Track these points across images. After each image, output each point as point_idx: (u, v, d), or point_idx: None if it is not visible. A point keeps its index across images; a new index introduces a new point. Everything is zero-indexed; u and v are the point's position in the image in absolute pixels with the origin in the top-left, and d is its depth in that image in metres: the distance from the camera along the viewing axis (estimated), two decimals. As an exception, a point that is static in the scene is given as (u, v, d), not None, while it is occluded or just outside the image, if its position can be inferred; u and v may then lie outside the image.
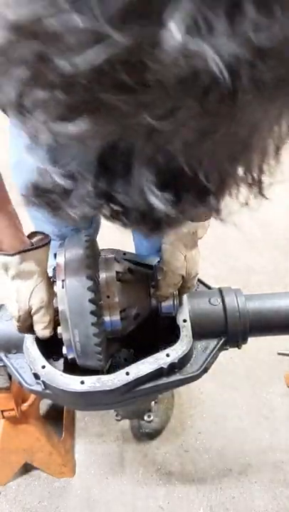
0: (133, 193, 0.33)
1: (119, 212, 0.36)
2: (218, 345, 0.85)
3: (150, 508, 1.43)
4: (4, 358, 0.86)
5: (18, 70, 0.25)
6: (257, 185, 0.40)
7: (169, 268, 0.81)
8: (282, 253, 2.27)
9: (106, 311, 0.78)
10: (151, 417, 1.20)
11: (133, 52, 0.22)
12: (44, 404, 1.60)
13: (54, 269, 0.80)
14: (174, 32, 0.21)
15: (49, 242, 0.81)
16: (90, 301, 0.71)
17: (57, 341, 0.77)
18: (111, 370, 0.80)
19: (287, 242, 2.32)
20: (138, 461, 1.53)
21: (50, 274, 0.83)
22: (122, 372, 0.75)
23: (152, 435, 1.57)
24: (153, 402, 1.23)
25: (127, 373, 0.75)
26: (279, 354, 1.80)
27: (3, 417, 1.21)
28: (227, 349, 0.88)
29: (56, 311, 0.77)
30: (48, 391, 0.77)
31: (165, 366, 0.76)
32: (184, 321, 0.83)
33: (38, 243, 0.80)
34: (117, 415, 1.19)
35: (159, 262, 0.86)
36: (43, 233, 0.83)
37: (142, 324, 0.86)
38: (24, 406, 1.21)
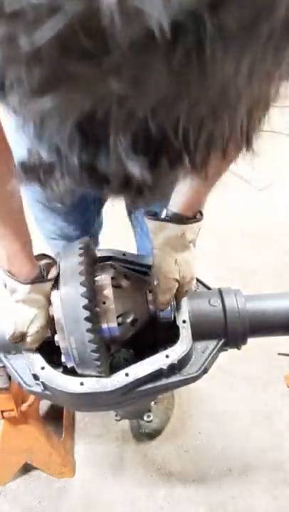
0: (112, 160, 0.34)
1: (103, 181, 0.37)
2: (218, 346, 0.85)
3: (150, 508, 1.43)
4: (4, 359, 0.85)
5: None
6: (244, 142, 0.41)
7: (161, 272, 0.80)
8: (282, 253, 2.26)
9: (103, 318, 0.78)
10: (151, 417, 1.20)
11: (86, 18, 0.23)
12: (44, 405, 1.60)
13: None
14: None
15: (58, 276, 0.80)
16: (84, 307, 0.71)
17: (57, 348, 0.77)
18: (111, 370, 0.80)
19: (287, 242, 2.32)
20: (138, 461, 1.53)
21: None
22: (121, 373, 0.75)
23: (152, 435, 1.57)
24: (152, 403, 1.23)
25: (127, 374, 0.75)
26: (279, 354, 1.80)
27: (3, 418, 1.21)
28: (227, 350, 0.88)
29: (52, 320, 0.77)
30: (47, 392, 0.77)
31: (165, 367, 0.76)
32: (184, 321, 0.83)
33: (48, 268, 0.80)
34: (116, 415, 1.19)
35: (150, 267, 0.84)
36: (49, 256, 0.83)
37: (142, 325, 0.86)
38: (24, 406, 1.21)
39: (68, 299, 0.73)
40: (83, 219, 1.21)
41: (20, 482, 1.48)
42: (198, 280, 0.94)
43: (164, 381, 0.77)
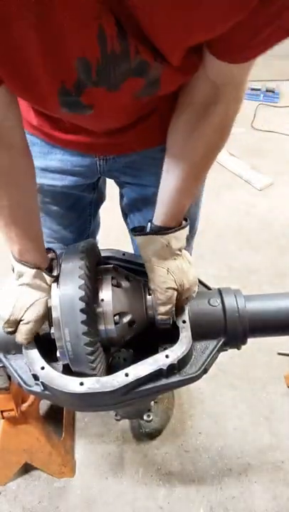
0: None
1: None
2: (218, 346, 0.85)
3: (150, 508, 1.43)
4: (3, 359, 0.86)
5: None
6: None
7: (155, 284, 0.81)
8: (282, 253, 2.26)
9: (100, 316, 0.79)
10: (151, 417, 1.20)
11: None
12: (44, 405, 1.60)
13: None
14: None
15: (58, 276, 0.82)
16: (80, 299, 0.72)
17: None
18: (110, 370, 0.80)
19: (287, 242, 2.32)
20: (138, 461, 1.53)
21: None
22: (121, 373, 0.75)
23: (152, 435, 1.57)
24: (153, 402, 1.23)
25: (126, 374, 0.75)
26: (279, 354, 1.80)
27: (3, 418, 1.21)
28: (226, 350, 0.88)
29: (49, 314, 0.78)
30: (47, 392, 0.77)
31: (164, 367, 0.76)
32: (184, 321, 0.83)
33: (50, 263, 0.83)
34: (116, 415, 1.19)
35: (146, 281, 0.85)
36: (54, 252, 0.85)
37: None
38: (24, 406, 1.21)
39: (65, 290, 0.74)
40: (79, 221, 1.20)
41: (20, 482, 1.49)
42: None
43: (163, 381, 0.77)
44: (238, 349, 0.89)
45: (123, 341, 0.83)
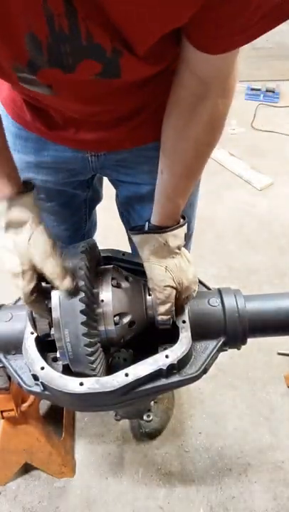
0: None
1: None
2: (218, 346, 0.85)
3: (150, 508, 1.43)
4: (3, 359, 0.86)
5: None
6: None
7: (154, 283, 0.80)
8: (282, 253, 2.26)
9: (100, 316, 0.79)
10: (151, 417, 1.20)
11: None
12: (44, 405, 1.60)
13: None
14: None
15: (33, 188, 0.77)
16: (80, 300, 0.72)
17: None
18: (110, 370, 0.80)
19: (286, 242, 2.32)
20: (138, 461, 1.53)
21: None
22: (121, 373, 0.75)
23: (152, 435, 1.57)
24: (152, 402, 1.23)
25: (126, 374, 0.75)
26: (279, 354, 1.80)
27: (3, 418, 1.21)
28: (226, 350, 0.88)
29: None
30: (47, 392, 0.77)
31: (164, 367, 0.76)
32: (183, 322, 0.83)
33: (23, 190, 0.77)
34: (116, 415, 1.19)
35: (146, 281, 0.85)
36: (28, 181, 0.79)
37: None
38: (24, 406, 1.21)
39: (67, 299, 0.74)
40: (73, 219, 1.20)
41: (20, 482, 1.49)
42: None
43: (163, 381, 0.77)
44: (238, 349, 0.89)
45: (123, 342, 0.83)
